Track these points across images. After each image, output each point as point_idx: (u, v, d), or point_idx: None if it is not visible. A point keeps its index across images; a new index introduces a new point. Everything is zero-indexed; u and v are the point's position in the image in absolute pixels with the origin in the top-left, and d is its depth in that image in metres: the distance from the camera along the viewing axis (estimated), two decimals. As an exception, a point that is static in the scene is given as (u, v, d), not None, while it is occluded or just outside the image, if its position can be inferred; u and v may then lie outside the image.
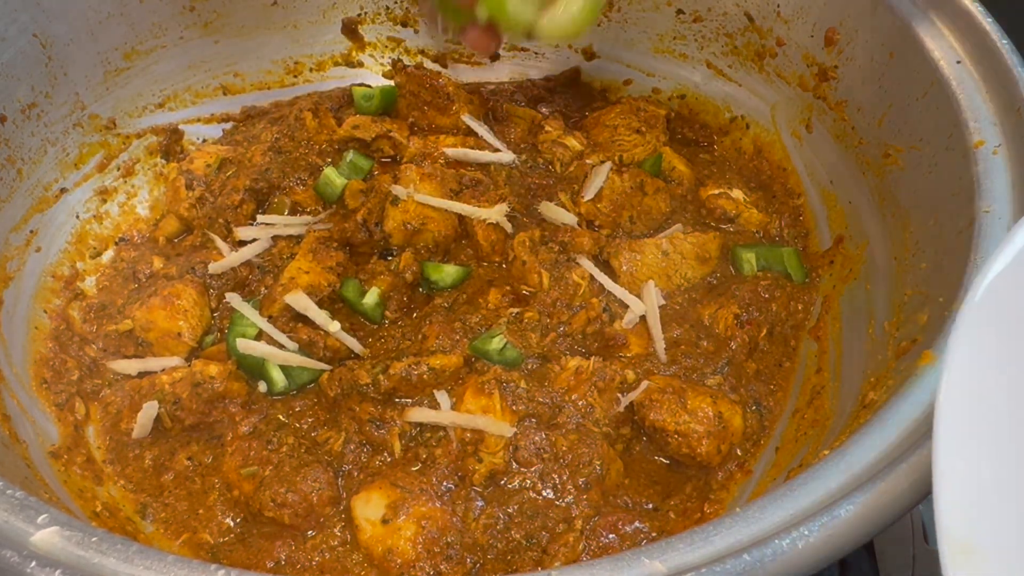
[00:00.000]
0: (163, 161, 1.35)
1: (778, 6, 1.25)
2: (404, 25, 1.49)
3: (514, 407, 0.99)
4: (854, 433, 0.72)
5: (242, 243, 1.19)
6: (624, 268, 1.14)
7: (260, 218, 1.22)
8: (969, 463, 0.58)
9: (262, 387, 1.04)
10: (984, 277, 0.62)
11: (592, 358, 1.05)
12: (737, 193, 1.26)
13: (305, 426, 1.02)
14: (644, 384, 1.00)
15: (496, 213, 1.16)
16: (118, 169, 1.30)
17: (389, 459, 0.98)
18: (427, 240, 1.16)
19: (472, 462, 0.96)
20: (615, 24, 1.42)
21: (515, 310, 1.10)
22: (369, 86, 1.41)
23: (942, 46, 1.01)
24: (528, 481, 0.95)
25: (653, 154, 1.30)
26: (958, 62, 0.99)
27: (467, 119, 1.33)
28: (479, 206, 1.17)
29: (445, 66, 1.50)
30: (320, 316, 1.06)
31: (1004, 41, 0.97)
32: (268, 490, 0.93)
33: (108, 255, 1.25)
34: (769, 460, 1.00)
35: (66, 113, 1.22)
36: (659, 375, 1.04)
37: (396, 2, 1.47)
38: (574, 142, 1.30)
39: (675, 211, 1.24)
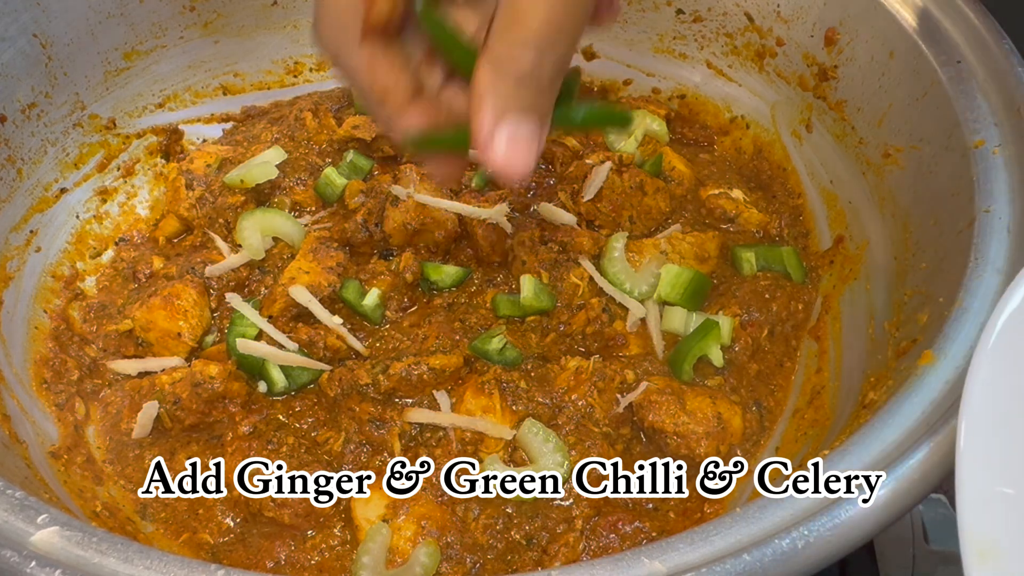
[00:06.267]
0: (163, 161, 1.35)
1: (778, 6, 1.25)
2: (404, 25, 1.48)
3: (514, 407, 0.99)
4: (854, 433, 0.72)
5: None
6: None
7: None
8: (991, 466, 0.59)
9: (262, 387, 1.04)
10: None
11: (592, 358, 1.05)
12: (737, 193, 1.26)
13: (305, 426, 1.02)
14: (643, 386, 1.00)
15: (496, 213, 1.16)
16: (118, 169, 1.30)
17: (389, 459, 0.98)
18: (427, 240, 1.16)
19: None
20: (615, 24, 1.42)
21: (515, 310, 1.10)
22: (369, 86, 1.41)
23: (942, 46, 1.01)
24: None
25: (653, 154, 1.30)
26: (958, 62, 0.99)
27: (467, 119, 1.32)
28: (479, 206, 1.17)
29: (445, 66, 1.50)
30: (322, 311, 1.06)
31: (1004, 41, 0.97)
32: (268, 490, 0.94)
33: (108, 255, 1.25)
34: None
35: (66, 113, 1.22)
36: (659, 375, 1.04)
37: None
38: (573, 142, 1.30)
39: (675, 211, 1.24)
